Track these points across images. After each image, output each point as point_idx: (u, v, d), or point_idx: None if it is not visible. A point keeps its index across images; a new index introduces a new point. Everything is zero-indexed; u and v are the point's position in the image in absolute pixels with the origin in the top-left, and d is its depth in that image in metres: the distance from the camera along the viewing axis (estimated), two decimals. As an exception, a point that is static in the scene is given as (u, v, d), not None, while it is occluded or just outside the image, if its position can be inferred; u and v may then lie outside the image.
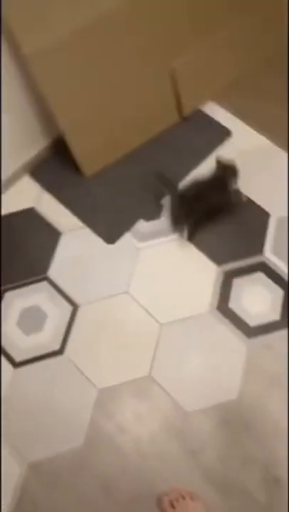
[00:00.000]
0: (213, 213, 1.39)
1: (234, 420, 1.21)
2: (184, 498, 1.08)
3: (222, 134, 1.60)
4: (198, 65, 1.49)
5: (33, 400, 1.27)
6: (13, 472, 1.19)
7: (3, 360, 1.31)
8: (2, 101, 1.26)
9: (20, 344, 1.33)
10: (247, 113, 1.60)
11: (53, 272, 1.42)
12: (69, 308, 1.37)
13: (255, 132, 1.58)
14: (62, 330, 1.34)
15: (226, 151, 1.55)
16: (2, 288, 1.40)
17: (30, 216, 1.50)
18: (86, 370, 1.29)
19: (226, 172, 1.35)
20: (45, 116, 1.42)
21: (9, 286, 1.40)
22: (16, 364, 1.31)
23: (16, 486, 1.18)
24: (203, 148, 1.56)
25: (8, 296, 1.39)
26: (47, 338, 1.33)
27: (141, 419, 1.23)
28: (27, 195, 1.53)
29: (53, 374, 1.29)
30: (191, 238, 1.41)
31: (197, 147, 1.56)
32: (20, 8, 1.06)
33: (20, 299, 1.38)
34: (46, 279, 1.41)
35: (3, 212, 1.51)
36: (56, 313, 1.36)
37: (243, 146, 1.56)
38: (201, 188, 1.35)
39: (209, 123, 1.61)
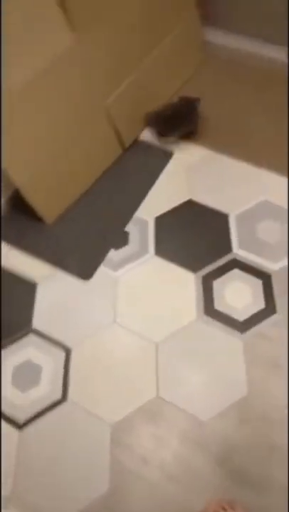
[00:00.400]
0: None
1: (251, 416, 1.20)
2: (224, 509, 1.04)
3: (165, 155, 1.69)
4: (128, 98, 1.60)
5: (47, 457, 1.21)
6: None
7: (7, 425, 1.26)
8: None
9: (20, 403, 1.29)
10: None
11: (37, 322, 1.41)
12: (61, 353, 1.35)
13: (193, 145, 1.69)
14: (60, 377, 1.31)
15: (172, 169, 1.64)
16: (-10, 351, 1.37)
17: (4, 275, 1.50)
18: (93, 409, 1.26)
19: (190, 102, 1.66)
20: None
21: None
22: (20, 426, 1.26)
23: None
24: (152, 171, 1.64)
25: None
26: (46, 389, 1.30)
27: (160, 442, 1.20)
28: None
29: (62, 423, 1.25)
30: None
31: (146, 172, 1.65)
32: None
33: (10, 358, 1.36)
34: (32, 331, 1.39)
35: (-26, 278, 1.51)
36: (50, 362, 1.34)
37: (187, 160, 1.66)
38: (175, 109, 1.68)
39: (150, 148, 1.71)
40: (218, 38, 1.89)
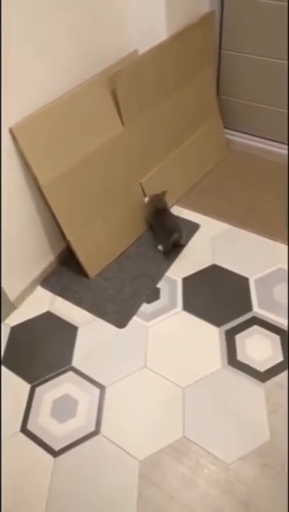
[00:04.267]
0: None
1: (273, 462, 1.28)
2: None
3: (192, 227, 1.98)
4: (159, 179, 1.95)
5: (78, 485, 1.28)
6: None
7: (43, 452, 1.35)
8: (22, 225, 1.59)
9: (57, 433, 1.39)
10: (206, 208, 2.03)
11: (76, 361, 1.56)
12: (96, 390, 1.48)
13: (216, 221, 1.98)
14: (95, 411, 1.43)
15: (199, 238, 1.91)
16: (32, 384, 1.50)
17: (47, 318, 1.70)
18: (124, 444, 1.35)
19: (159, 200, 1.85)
20: (52, 234, 1.76)
21: (39, 381, 1.51)
22: (55, 453, 1.35)
23: None
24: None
25: (38, 390, 1.49)
26: (81, 422, 1.41)
27: (187, 481, 1.27)
28: (41, 301, 1.75)
29: (93, 455, 1.34)
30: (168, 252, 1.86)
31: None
32: (36, 150, 1.46)
33: (51, 391, 1.49)
34: (71, 369, 1.54)
35: (22, 320, 1.70)
36: (86, 397, 1.47)
37: (211, 233, 1.94)
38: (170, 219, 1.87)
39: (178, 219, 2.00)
40: (237, 137, 2.30)
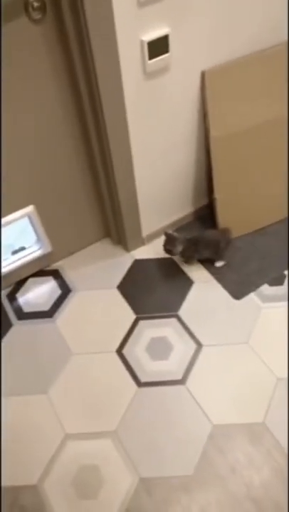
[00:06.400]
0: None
1: None
2: None
3: None
4: None
5: (151, 419, 1.36)
6: (125, 482, 1.24)
7: (129, 377, 1.45)
8: (177, 170, 1.63)
9: (146, 367, 1.47)
10: None
11: (183, 312, 1.60)
12: (193, 345, 1.51)
13: None
14: (186, 363, 1.47)
15: None
16: (138, 316, 1.60)
17: (168, 264, 1.76)
18: (204, 404, 1.38)
19: (223, 236, 1.68)
20: (198, 188, 1.77)
21: (144, 315, 1.60)
22: (140, 384, 1.43)
23: (126, 497, 1.21)
24: None
25: (142, 323, 1.58)
26: (171, 367, 1.46)
27: (253, 463, 1.25)
28: (168, 247, 1.81)
29: (172, 400, 1.39)
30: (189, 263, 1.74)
31: None
32: (218, 100, 1.45)
33: (152, 329, 1.56)
34: (176, 316, 1.59)
35: (146, 257, 1.79)
36: (181, 347, 1.51)
37: None
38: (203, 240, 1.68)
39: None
40: None
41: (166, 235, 1.65)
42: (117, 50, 1.16)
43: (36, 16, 1.09)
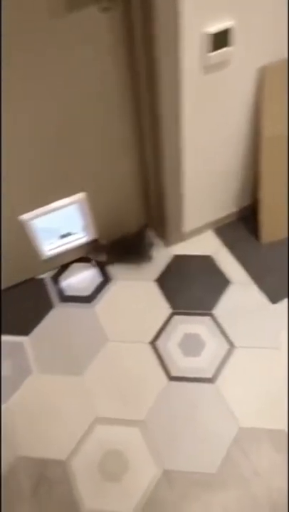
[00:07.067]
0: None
1: None
2: None
3: None
4: None
5: (179, 413, 1.38)
6: (149, 471, 1.28)
7: (160, 369, 1.48)
8: (225, 169, 1.62)
9: (178, 362, 1.49)
10: None
11: (218, 311, 1.61)
12: (226, 345, 1.52)
13: None
14: (217, 362, 1.48)
15: None
16: (173, 311, 1.62)
17: (207, 262, 1.76)
18: (232, 405, 1.39)
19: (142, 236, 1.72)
20: (243, 188, 1.75)
21: (179, 310, 1.62)
22: (171, 377, 1.46)
23: (148, 487, 1.25)
24: None
25: (176, 318, 1.60)
26: (202, 364, 1.48)
27: (276, 470, 1.26)
28: (208, 245, 1.81)
29: (201, 398, 1.41)
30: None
31: None
32: (274, 100, 1.42)
33: (186, 325, 1.58)
34: (211, 315, 1.60)
35: (184, 253, 1.80)
36: (213, 346, 1.52)
37: None
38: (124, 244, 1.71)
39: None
40: None
41: (94, 242, 1.71)
42: (179, 42, 1.16)
43: (105, 4, 1.10)
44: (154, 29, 1.11)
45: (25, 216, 1.53)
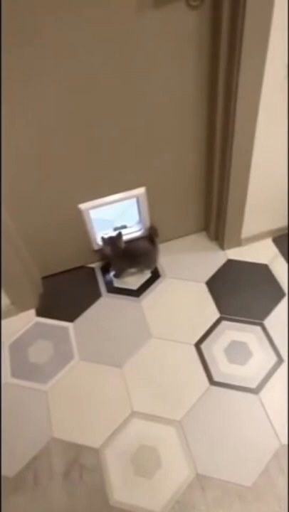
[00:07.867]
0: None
1: None
2: None
3: None
4: None
5: (218, 420, 1.34)
6: (181, 472, 1.25)
7: (203, 372, 1.44)
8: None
9: (222, 368, 1.45)
10: None
11: (269, 322, 1.55)
12: (274, 358, 1.46)
13: None
14: (263, 374, 1.42)
15: None
16: (221, 315, 1.58)
17: (261, 270, 1.71)
18: (274, 419, 1.33)
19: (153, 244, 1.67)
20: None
21: (228, 316, 1.58)
22: (212, 382, 1.42)
23: (180, 488, 1.23)
24: None
25: (224, 324, 1.56)
26: (247, 373, 1.43)
27: None
28: (265, 254, 1.76)
29: (242, 407, 1.36)
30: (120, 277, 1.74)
31: None
32: None
33: (234, 332, 1.54)
34: (261, 325, 1.54)
35: (239, 258, 1.75)
36: (261, 357, 1.46)
37: None
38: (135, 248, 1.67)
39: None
40: None
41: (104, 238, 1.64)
42: (266, 47, 1.13)
43: (194, 2, 1.10)
44: (244, 29, 1.08)
45: (83, 205, 1.56)
